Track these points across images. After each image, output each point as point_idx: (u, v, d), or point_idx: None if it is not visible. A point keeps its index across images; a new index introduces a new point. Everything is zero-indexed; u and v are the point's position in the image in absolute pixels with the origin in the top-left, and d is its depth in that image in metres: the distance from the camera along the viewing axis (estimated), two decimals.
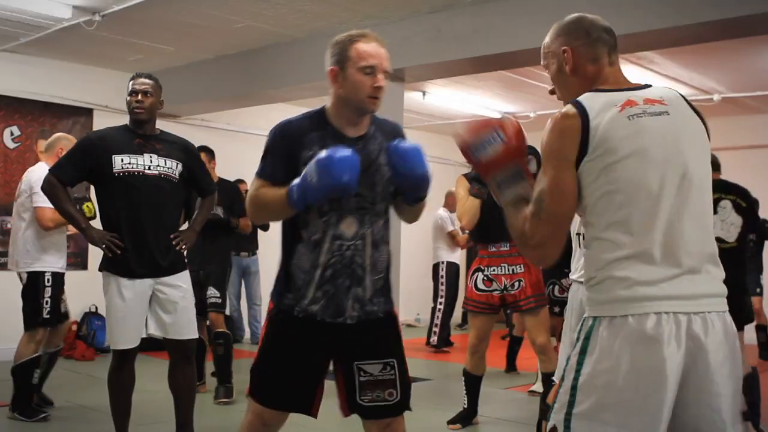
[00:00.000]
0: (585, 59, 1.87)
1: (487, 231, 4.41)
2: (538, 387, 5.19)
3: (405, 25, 5.82)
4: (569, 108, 1.77)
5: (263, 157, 2.41)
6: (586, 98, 1.78)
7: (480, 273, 4.45)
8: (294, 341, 2.40)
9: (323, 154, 2.19)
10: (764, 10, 4.37)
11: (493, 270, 4.40)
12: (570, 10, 1.94)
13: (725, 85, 7.89)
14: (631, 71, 6.57)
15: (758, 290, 8.02)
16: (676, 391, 1.67)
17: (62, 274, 4.70)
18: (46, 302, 4.55)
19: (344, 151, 2.19)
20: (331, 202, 2.31)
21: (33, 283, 4.57)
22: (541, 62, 1.97)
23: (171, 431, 3.76)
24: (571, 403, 1.72)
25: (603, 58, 1.87)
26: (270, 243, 8.22)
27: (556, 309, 4.98)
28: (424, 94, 8.24)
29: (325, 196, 2.23)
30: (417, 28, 5.76)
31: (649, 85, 1.87)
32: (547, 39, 1.94)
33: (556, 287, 5.15)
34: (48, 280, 4.57)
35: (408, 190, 2.38)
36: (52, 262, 4.62)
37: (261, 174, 2.39)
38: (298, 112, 2.46)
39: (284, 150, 2.36)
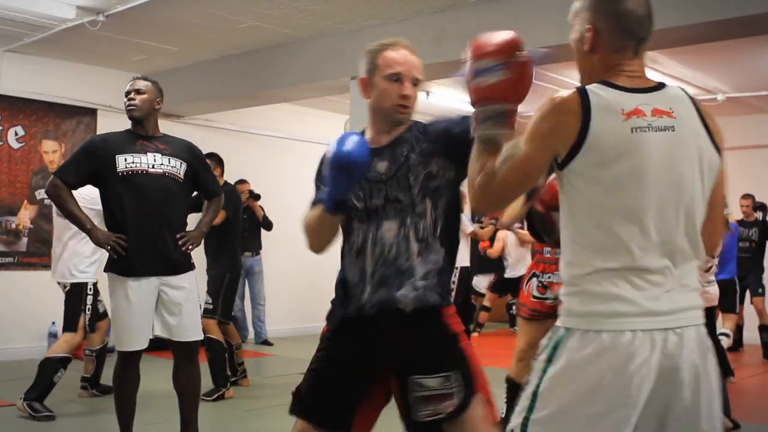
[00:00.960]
0: (606, 45, 1.73)
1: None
2: None
3: (409, 25, 5.81)
4: (573, 98, 1.66)
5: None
6: (595, 91, 1.67)
7: (535, 279, 4.17)
8: (342, 352, 2.29)
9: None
10: None
11: (548, 277, 4.11)
12: None
13: (729, 85, 7.88)
14: None
15: (760, 290, 7.97)
16: (641, 410, 1.64)
17: (96, 282, 5.11)
18: (88, 309, 5.02)
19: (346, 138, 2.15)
20: (369, 212, 2.25)
21: (77, 293, 5.01)
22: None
23: (175, 430, 3.77)
24: (530, 409, 1.70)
25: (627, 50, 1.73)
26: (273, 243, 8.24)
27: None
28: (428, 93, 8.22)
29: (337, 176, 2.12)
30: (421, 28, 5.75)
31: (664, 85, 1.75)
32: (577, 4, 1.79)
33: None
34: (90, 289, 5.04)
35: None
36: (92, 273, 5.04)
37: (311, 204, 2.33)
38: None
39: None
